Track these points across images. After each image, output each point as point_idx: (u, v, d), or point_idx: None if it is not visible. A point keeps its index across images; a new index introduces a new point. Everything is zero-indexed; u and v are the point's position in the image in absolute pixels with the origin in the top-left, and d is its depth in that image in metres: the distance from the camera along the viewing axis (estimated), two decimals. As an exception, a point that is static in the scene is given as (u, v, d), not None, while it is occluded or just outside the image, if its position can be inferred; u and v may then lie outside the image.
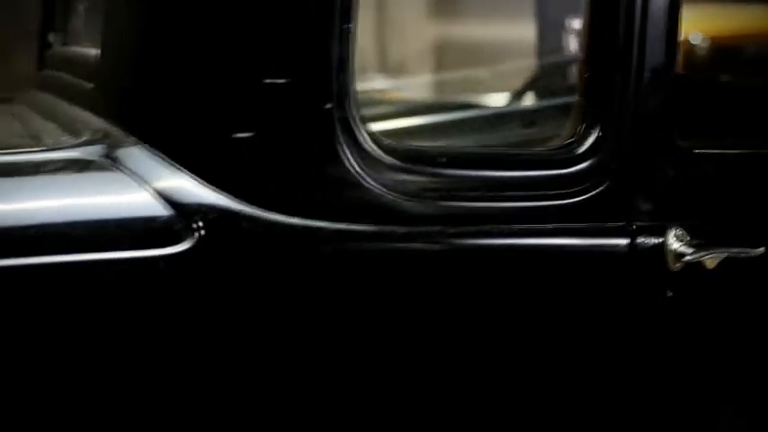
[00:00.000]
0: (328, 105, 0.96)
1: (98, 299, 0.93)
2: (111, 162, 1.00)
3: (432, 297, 1.01)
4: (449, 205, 1.00)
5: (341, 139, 0.97)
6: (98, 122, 1.10)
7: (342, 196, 0.98)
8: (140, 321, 0.94)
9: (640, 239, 1.07)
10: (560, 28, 1.97)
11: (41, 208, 0.96)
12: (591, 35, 1.07)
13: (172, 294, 0.95)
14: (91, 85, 1.16)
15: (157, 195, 0.97)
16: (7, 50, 4.41)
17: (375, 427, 1.03)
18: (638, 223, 1.07)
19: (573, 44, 1.96)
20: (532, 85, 1.89)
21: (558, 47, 1.97)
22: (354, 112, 0.97)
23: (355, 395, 1.01)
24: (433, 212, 1.00)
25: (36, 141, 1.12)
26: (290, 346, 0.98)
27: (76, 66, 1.27)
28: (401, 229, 0.99)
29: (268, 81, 0.96)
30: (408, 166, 1.00)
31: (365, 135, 0.98)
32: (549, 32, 1.96)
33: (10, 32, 4.42)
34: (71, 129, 1.11)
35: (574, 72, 1.84)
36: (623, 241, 1.07)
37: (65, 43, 1.54)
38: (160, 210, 0.97)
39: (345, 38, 0.96)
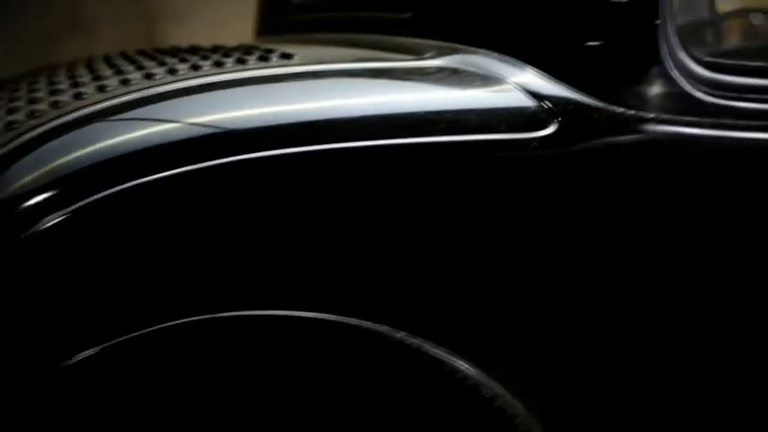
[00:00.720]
0: (657, 21, 1.22)
1: (491, 172, 1.19)
2: (473, 66, 1.26)
3: (722, 180, 1.28)
4: (739, 105, 1.26)
5: (664, 48, 1.23)
6: (430, 42, 1.34)
7: (663, 93, 1.24)
8: (525, 190, 1.20)
9: None
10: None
11: (441, 99, 1.21)
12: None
13: (544, 171, 1.20)
14: (408, 15, 1.40)
15: (522, 90, 1.23)
16: (57, 41, 4.62)
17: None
18: None
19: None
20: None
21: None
22: (674, 29, 1.24)
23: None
24: (729, 109, 1.26)
25: (384, 57, 1.35)
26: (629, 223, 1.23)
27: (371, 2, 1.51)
28: (706, 120, 1.25)
29: (614, 1, 1.22)
30: (710, 72, 1.26)
31: (681, 47, 1.24)
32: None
33: (60, 23, 4.64)
34: (404, 49, 1.35)
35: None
36: None
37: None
38: (527, 101, 1.22)
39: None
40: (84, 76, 1.35)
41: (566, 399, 1.25)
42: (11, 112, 1.29)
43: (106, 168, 1.12)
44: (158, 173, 1.11)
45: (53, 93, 1.31)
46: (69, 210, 1.10)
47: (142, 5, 4.74)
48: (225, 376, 1.17)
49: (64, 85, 1.34)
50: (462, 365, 1.19)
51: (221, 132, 1.12)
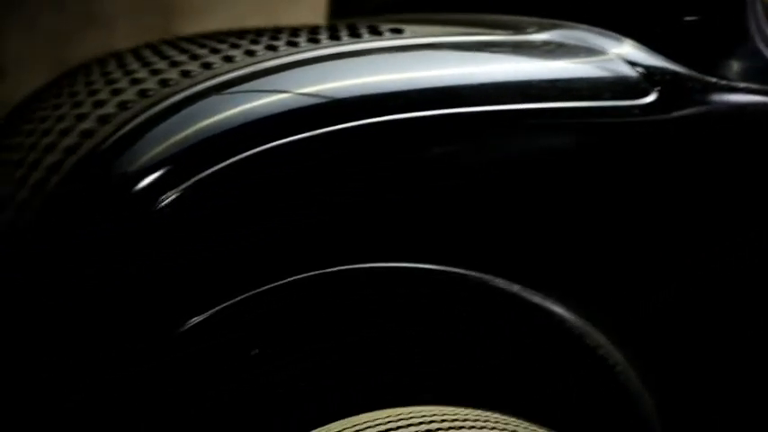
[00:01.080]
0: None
1: (598, 136, 1.29)
2: (575, 40, 1.35)
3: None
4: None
5: (752, 24, 1.34)
6: (526, 19, 1.44)
7: (751, 65, 1.35)
8: (629, 154, 1.30)
9: None
10: None
11: (551, 68, 1.31)
12: None
13: (646, 137, 1.30)
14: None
15: (624, 61, 1.33)
16: (73, 36, 4.68)
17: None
18: None
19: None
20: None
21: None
22: (761, 6, 1.34)
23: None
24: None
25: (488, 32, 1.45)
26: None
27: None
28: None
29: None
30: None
31: (764, 21, 1.35)
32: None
33: (76, 19, 4.70)
34: (503, 25, 1.44)
35: None
36: None
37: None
38: (629, 71, 1.32)
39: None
40: (205, 48, 1.43)
41: (662, 350, 1.34)
42: (136, 82, 1.37)
43: (244, 134, 1.19)
44: (298, 135, 1.19)
45: (174, 64, 1.39)
46: (204, 175, 1.16)
47: (159, 1, 4.82)
48: (350, 329, 1.25)
49: (183, 57, 1.42)
50: (569, 316, 1.29)
51: (359, 98, 1.21)
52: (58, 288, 1.17)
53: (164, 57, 1.48)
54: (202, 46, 1.49)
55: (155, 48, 1.61)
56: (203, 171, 1.17)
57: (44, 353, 1.17)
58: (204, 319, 1.16)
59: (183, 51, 1.48)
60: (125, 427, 1.16)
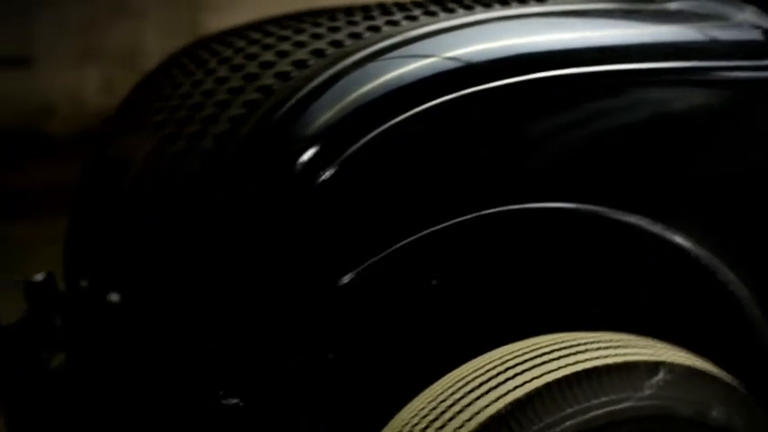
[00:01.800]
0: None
1: (735, 90, 1.43)
2: (702, 8, 1.51)
3: None
4: None
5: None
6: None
7: None
8: (760, 106, 1.44)
9: None
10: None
11: (689, 33, 1.46)
12: None
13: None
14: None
15: (750, 26, 1.48)
16: (102, 26, 4.78)
17: None
18: None
19: None
20: None
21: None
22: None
23: None
24: None
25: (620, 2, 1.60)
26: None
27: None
28: None
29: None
30: None
31: None
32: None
33: (106, 9, 4.80)
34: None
35: None
36: None
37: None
38: (756, 35, 1.48)
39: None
40: (357, 16, 1.55)
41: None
42: (302, 44, 1.49)
43: (422, 89, 1.31)
44: (474, 88, 1.32)
45: (334, 29, 1.51)
46: (393, 123, 1.28)
47: (186, -6, 4.93)
48: (513, 262, 1.37)
49: (339, 23, 1.54)
50: (704, 254, 1.43)
51: (529, 55, 1.35)
52: (255, 234, 1.27)
53: (315, 24, 1.59)
54: (351, 14, 1.61)
55: (296, 18, 1.72)
56: (392, 120, 1.29)
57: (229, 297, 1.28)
58: (396, 250, 1.29)
59: (334, 19, 1.60)
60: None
